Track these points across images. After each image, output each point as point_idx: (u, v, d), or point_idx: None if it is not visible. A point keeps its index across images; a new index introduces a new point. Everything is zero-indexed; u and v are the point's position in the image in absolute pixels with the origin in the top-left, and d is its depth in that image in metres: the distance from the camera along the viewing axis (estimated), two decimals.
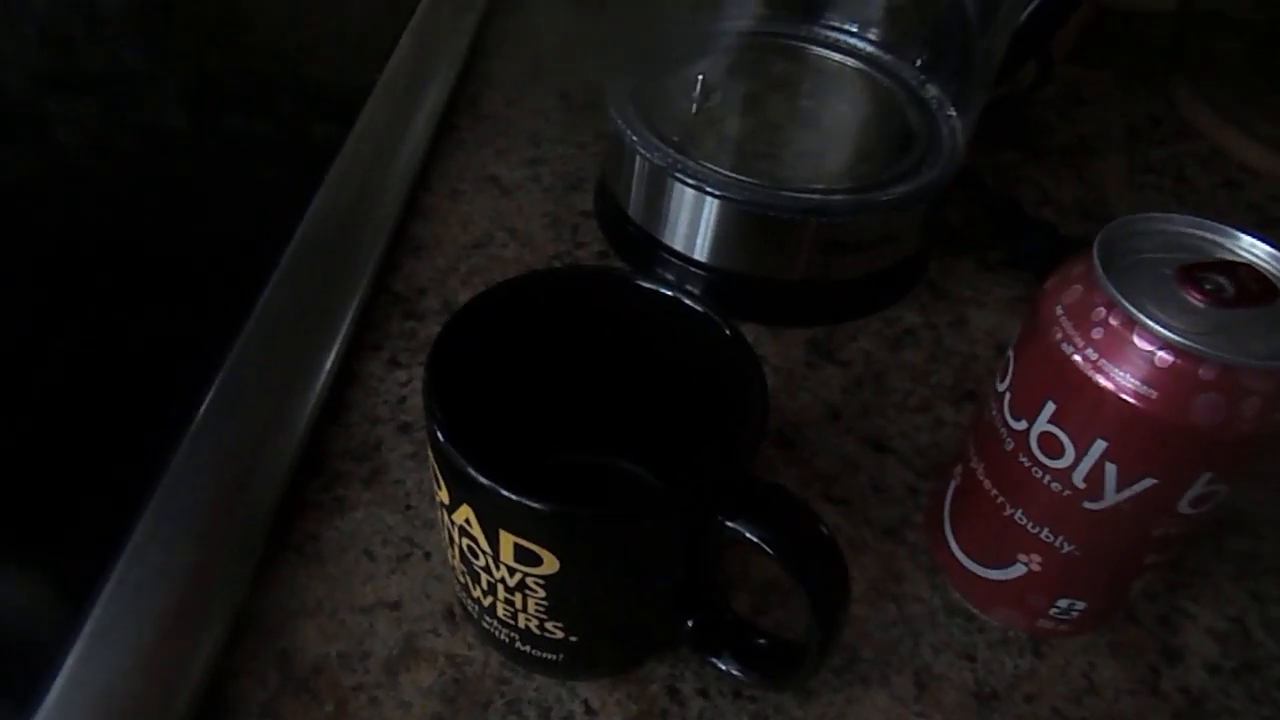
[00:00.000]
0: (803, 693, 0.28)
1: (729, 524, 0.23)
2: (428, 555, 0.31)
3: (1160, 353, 0.22)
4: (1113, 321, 0.23)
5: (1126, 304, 0.23)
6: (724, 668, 0.27)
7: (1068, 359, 0.24)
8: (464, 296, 0.39)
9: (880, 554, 0.32)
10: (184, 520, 0.29)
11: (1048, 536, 0.27)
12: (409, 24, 0.52)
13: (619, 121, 0.40)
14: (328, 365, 0.35)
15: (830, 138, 0.43)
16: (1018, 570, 0.29)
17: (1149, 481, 0.24)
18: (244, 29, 0.55)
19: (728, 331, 0.25)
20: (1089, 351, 0.24)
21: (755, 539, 0.23)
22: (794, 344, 0.39)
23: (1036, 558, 0.28)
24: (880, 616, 0.31)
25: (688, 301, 0.26)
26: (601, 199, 0.44)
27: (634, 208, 0.41)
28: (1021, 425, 0.26)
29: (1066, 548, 0.27)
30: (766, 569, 0.29)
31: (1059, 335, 0.24)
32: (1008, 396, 0.27)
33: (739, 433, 0.23)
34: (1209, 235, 0.25)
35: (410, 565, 0.31)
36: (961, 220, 0.46)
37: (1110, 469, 0.25)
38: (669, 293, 0.26)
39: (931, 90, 0.43)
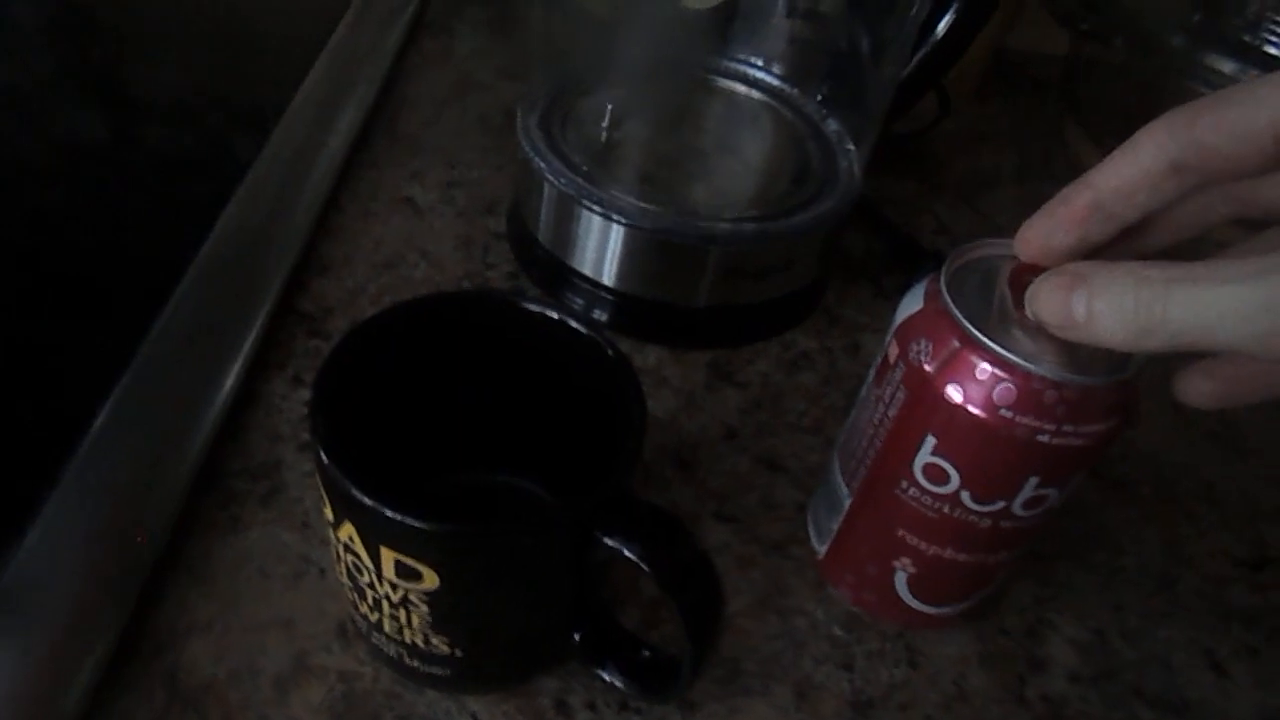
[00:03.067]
0: (686, 704, 0.29)
1: (606, 541, 0.24)
2: (323, 572, 0.31)
3: (1004, 377, 0.24)
4: (966, 352, 0.25)
5: (977, 333, 0.24)
6: (609, 679, 0.28)
7: (941, 395, 0.25)
8: None
9: (767, 569, 0.34)
10: (73, 537, 0.29)
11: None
12: (328, 42, 0.53)
13: (528, 149, 0.41)
14: (228, 383, 0.35)
15: (734, 168, 0.44)
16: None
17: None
18: (160, 41, 0.55)
19: (610, 352, 0.26)
20: (953, 386, 0.25)
21: (630, 555, 0.24)
22: (696, 366, 0.41)
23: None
24: (764, 629, 0.32)
25: (572, 324, 0.27)
26: (513, 223, 0.45)
27: (544, 232, 0.42)
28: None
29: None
30: (655, 587, 0.30)
31: (929, 370, 0.26)
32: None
33: (616, 452, 0.24)
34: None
35: (305, 583, 0.31)
36: (860, 249, 0.48)
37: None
38: (555, 315, 0.27)
39: (832, 124, 0.45)
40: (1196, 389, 0.25)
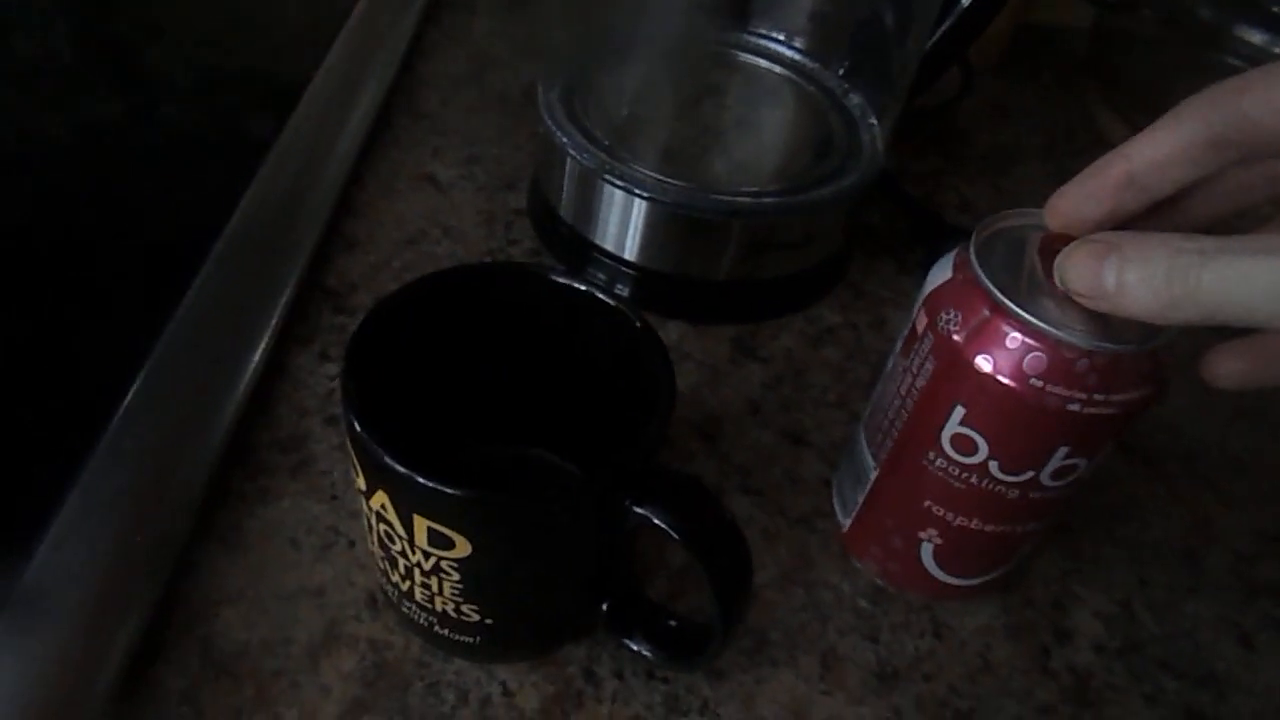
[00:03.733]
0: (713, 673, 0.30)
1: (636, 510, 0.24)
2: (352, 544, 0.32)
3: (1035, 346, 0.24)
4: (996, 321, 0.25)
5: (1007, 301, 0.24)
6: (636, 648, 0.28)
7: (971, 364, 0.25)
8: None
9: (792, 542, 0.34)
10: (107, 509, 0.29)
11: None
12: (348, 20, 0.53)
13: (550, 123, 0.41)
14: (256, 357, 0.35)
15: (756, 142, 0.44)
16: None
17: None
18: (180, 20, 0.55)
19: (638, 324, 0.26)
20: (983, 356, 0.25)
21: (661, 524, 0.24)
22: (719, 341, 0.41)
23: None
24: (790, 601, 0.32)
25: (600, 295, 0.27)
26: (534, 198, 0.45)
27: (565, 208, 0.42)
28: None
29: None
30: (681, 555, 0.31)
31: (958, 339, 0.26)
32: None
33: (646, 422, 0.24)
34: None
35: (334, 553, 0.31)
36: (883, 225, 0.47)
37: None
38: (582, 287, 0.27)
39: (854, 99, 0.44)
40: (1226, 369, 0.25)
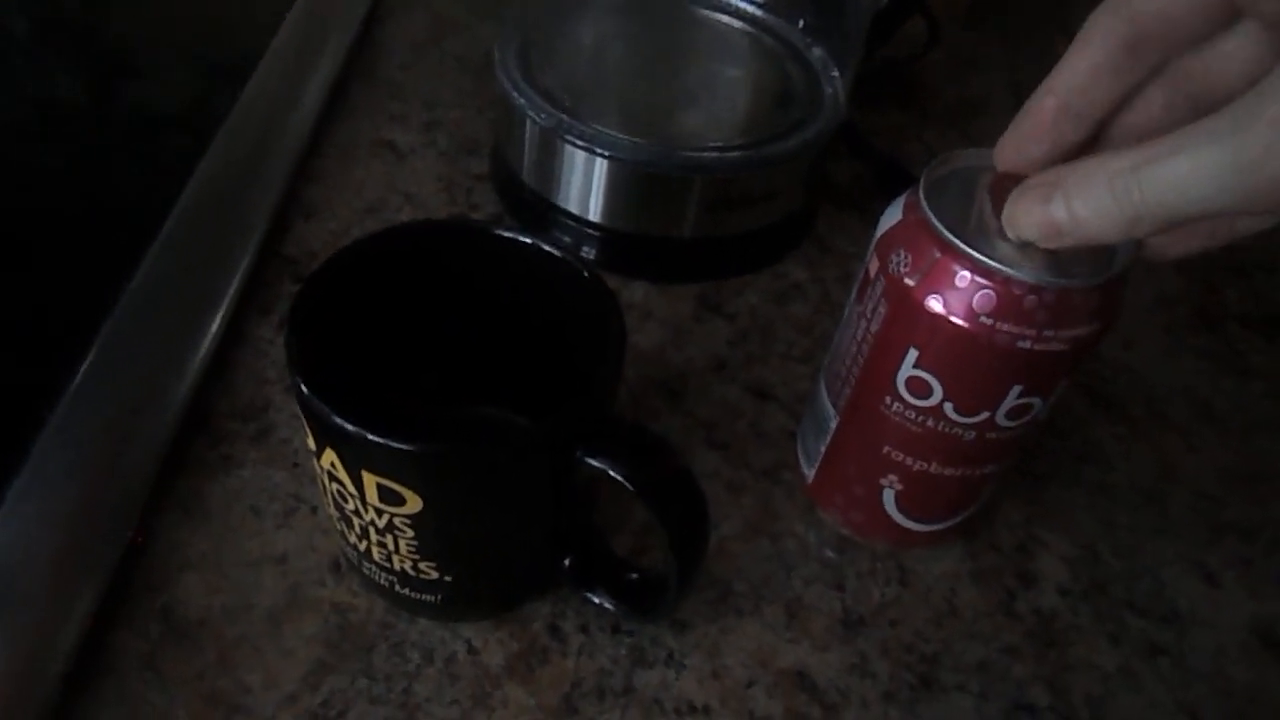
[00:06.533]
0: (678, 625, 0.30)
1: (589, 461, 0.24)
2: (314, 510, 0.31)
3: (986, 284, 0.24)
4: (946, 261, 0.25)
5: (956, 240, 0.24)
6: (598, 601, 0.28)
7: (922, 305, 0.25)
8: None
9: (758, 494, 0.34)
10: (64, 477, 0.29)
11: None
12: None
13: (507, 85, 0.40)
14: (214, 326, 0.35)
15: (717, 97, 0.44)
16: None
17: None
18: None
19: (585, 274, 0.26)
20: (933, 296, 0.25)
21: (614, 474, 0.24)
22: (684, 300, 0.41)
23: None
24: (755, 552, 0.32)
25: (546, 247, 0.26)
26: (496, 163, 0.45)
27: (526, 170, 0.42)
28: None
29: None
30: (645, 513, 0.30)
31: (909, 281, 0.25)
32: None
33: (596, 370, 0.24)
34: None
35: (297, 520, 0.31)
36: (849, 179, 0.47)
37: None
38: (528, 240, 0.27)
39: (816, 52, 0.44)
40: (1160, 242, 0.25)
